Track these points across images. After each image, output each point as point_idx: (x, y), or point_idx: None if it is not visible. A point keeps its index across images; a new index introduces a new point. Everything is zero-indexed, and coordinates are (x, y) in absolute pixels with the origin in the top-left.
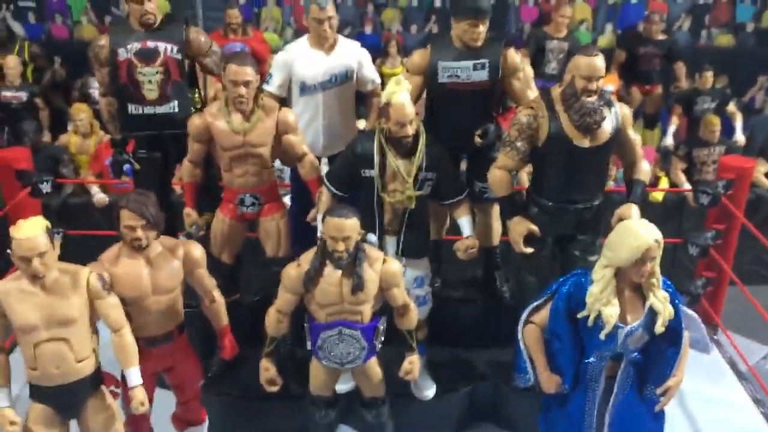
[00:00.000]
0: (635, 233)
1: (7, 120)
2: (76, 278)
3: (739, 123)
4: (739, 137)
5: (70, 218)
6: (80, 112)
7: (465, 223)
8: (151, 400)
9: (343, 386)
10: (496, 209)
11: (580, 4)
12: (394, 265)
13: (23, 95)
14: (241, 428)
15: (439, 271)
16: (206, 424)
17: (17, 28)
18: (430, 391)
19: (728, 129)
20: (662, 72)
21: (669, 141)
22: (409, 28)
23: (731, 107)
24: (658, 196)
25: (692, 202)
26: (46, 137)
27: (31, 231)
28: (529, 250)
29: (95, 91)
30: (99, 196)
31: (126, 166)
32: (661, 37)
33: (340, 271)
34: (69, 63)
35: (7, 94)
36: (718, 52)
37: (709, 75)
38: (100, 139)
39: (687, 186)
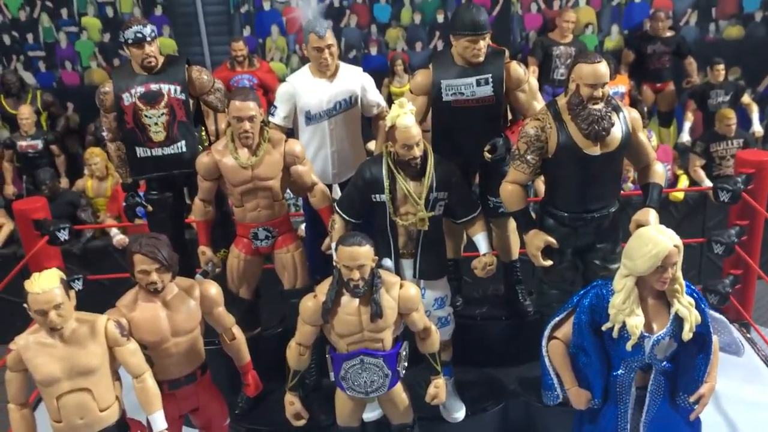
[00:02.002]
0: (653, 240)
1: (25, 169)
2: (94, 327)
3: (755, 114)
4: (757, 128)
5: (92, 261)
6: (94, 156)
7: (481, 240)
8: None
9: (370, 414)
10: (512, 223)
11: (583, 7)
12: (412, 290)
13: (39, 143)
14: None
15: (461, 289)
16: None
17: (29, 77)
18: (459, 413)
19: (745, 121)
20: (673, 69)
21: (685, 137)
22: (414, 46)
23: (746, 98)
24: (679, 195)
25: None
26: (64, 183)
27: (47, 284)
28: (549, 262)
29: None
30: (119, 238)
31: (139, 209)
32: (668, 33)
33: (357, 300)
34: (82, 108)
35: (23, 143)
36: (727, 44)
37: (721, 68)
38: (116, 181)
39: (707, 182)
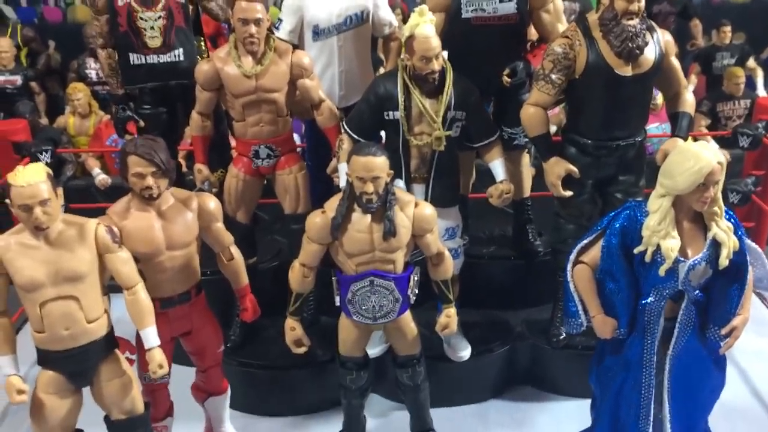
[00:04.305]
0: (696, 155)
1: (3, 105)
2: (83, 230)
3: (760, 79)
4: (762, 93)
5: (72, 201)
6: (77, 92)
7: (498, 166)
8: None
9: (373, 351)
10: (525, 158)
11: None
12: (427, 209)
13: (18, 79)
14: (264, 399)
15: (467, 228)
16: (228, 394)
17: (9, 11)
18: (465, 352)
19: (749, 85)
20: (677, 31)
21: None
22: None
23: (751, 63)
24: None
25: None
26: (44, 122)
27: (32, 177)
28: (569, 193)
29: (92, 71)
30: (101, 177)
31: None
32: None
33: (369, 217)
34: (64, 46)
35: (1, 78)
36: (733, 8)
37: (728, 30)
38: (99, 119)
39: (712, 142)
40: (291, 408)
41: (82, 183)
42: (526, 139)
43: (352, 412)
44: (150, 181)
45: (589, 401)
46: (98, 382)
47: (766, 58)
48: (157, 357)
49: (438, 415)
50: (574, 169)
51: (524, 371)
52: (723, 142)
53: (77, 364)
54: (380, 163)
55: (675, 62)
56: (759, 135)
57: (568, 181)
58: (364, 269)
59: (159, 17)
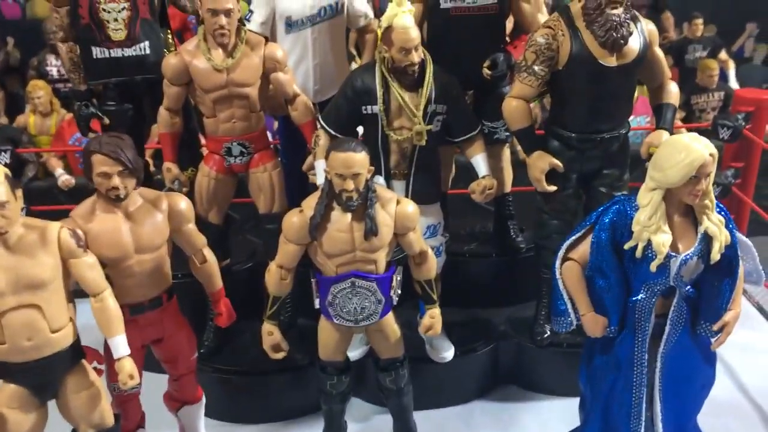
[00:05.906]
0: (687, 148)
1: None
2: (44, 234)
3: (731, 71)
4: (734, 85)
5: (34, 203)
6: (38, 89)
7: (480, 161)
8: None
9: (353, 353)
10: (506, 153)
11: None
12: (410, 207)
13: None
14: (241, 406)
15: (447, 225)
16: (203, 402)
17: None
18: (448, 353)
19: (721, 78)
20: None
21: None
22: None
23: (723, 55)
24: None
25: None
26: (3, 121)
27: None
28: (553, 188)
29: (53, 68)
30: (64, 178)
31: None
32: None
33: (349, 215)
34: (23, 43)
35: None
36: (704, 1)
37: (700, 22)
38: (61, 117)
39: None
40: (269, 414)
41: (45, 184)
42: (507, 134)
43: (332, 417)
44: (116, 181)
45: (575, 400)
46: (64, 394)
47: (736, 51)
48: (127, 367)
49: (421, 418)
50: (558, 163)
51: (509, 370)
52: (701, 135)
53: (42, 377)
54: (360, 159)
55: (659, 52)
56: (739, 126)
57: (552, 175)
58: (345, 270)
59: (123, 8)
